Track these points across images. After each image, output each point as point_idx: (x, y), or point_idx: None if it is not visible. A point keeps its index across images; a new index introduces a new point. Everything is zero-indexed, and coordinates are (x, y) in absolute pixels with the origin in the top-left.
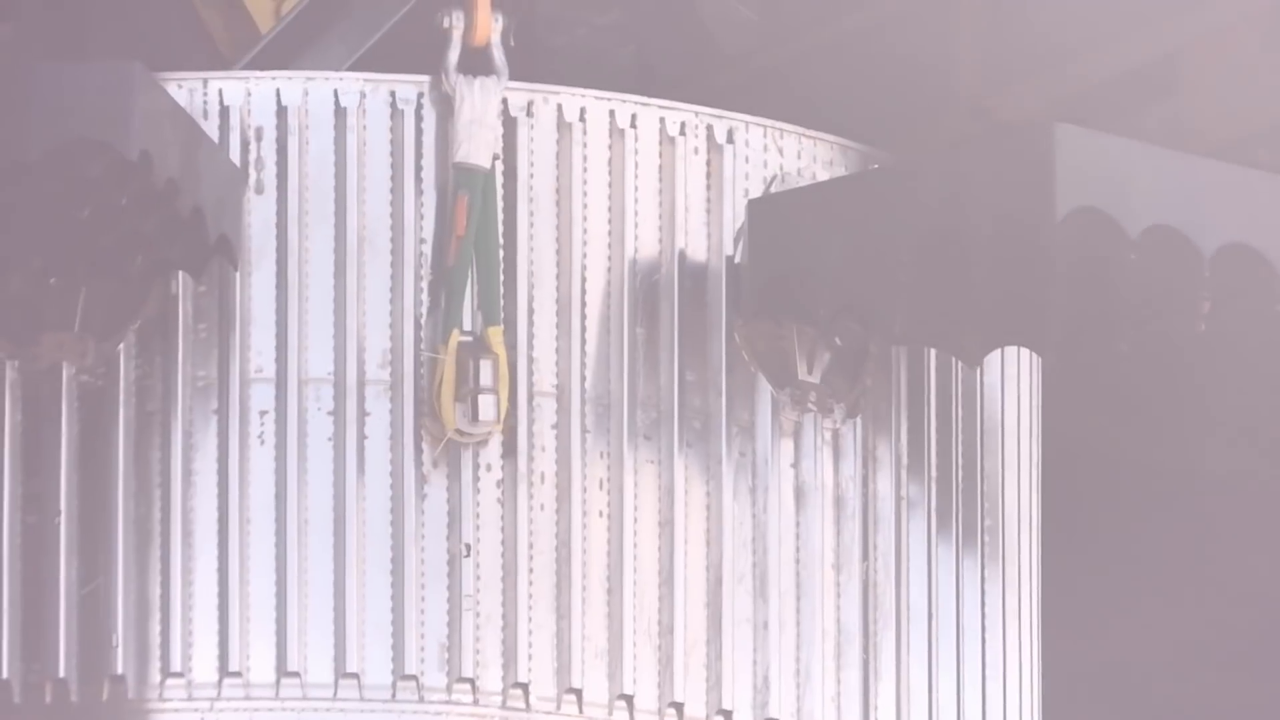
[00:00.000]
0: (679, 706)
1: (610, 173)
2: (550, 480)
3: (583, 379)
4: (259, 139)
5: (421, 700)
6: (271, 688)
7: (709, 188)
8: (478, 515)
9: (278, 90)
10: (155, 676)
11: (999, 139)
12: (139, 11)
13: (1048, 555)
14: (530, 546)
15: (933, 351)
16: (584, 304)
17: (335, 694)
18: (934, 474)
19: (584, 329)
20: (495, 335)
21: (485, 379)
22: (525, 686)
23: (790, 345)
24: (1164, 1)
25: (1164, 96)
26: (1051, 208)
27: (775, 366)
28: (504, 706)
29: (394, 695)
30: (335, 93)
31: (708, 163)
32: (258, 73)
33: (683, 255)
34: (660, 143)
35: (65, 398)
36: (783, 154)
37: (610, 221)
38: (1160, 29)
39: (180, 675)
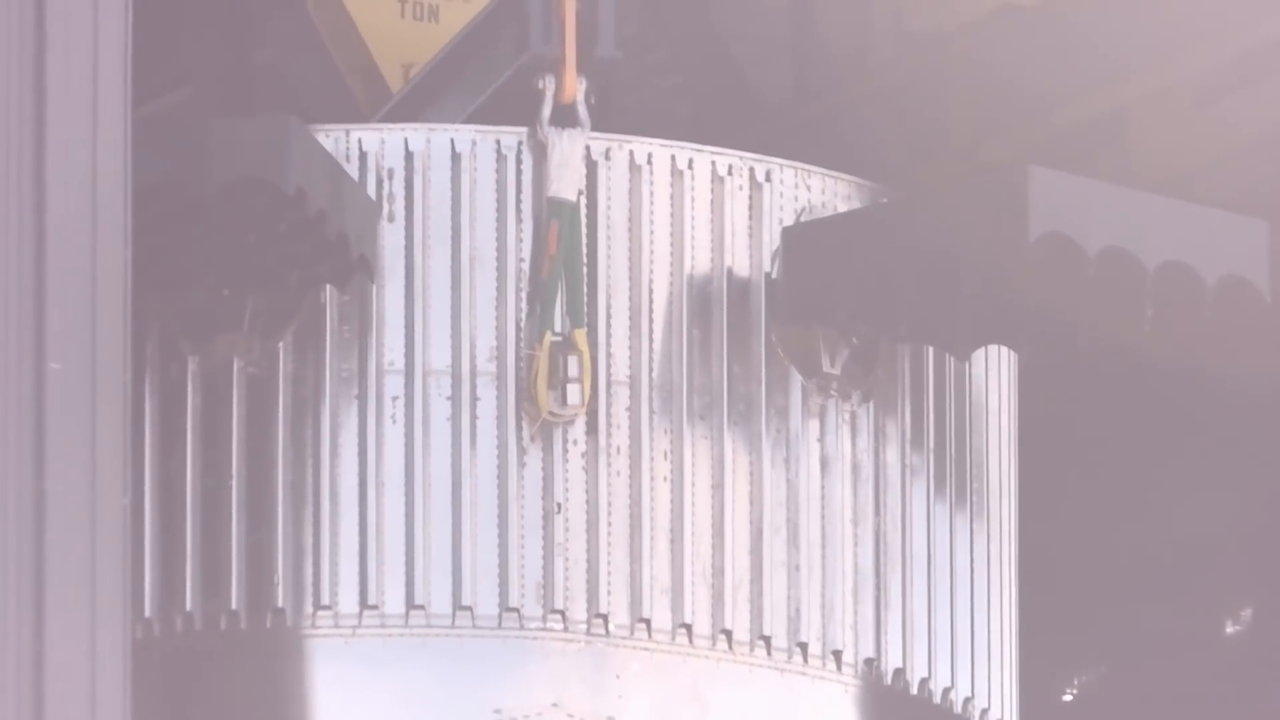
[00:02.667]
0: (728, 633)
1: (672, 205)
2: (624, 452)
3: (650, 370)
4: (390, 178)
5: (522, 628)
6: (402, 618)
7: (751, 218)
8: (567, 480)
9: (406, 139)
10: (309, 609)
11: (983, 178)
12: (295, 75)
13: (1023, 512)
14: (609, 505)
15: (930, 348)
16: (651, 310)
17: (453, 623)
18: (932, 447)
19: (651, 330)
20: (580, 336)
21: (572, 371)
22: (605, 617)
23: (816, 343)
24: (1116, 66)
25: (1115, 143)
26: (1025, 233)
27: (804, 361)
28: (588, 633)
29: (500, 624)
30: (452, 141)
31: (750, 197)
32: (390, 125)
33: (730, 272)
34: (712, 181)
35: (236, 386)
36: (810, 190)
37: (672, 245)
38: (1113, 89)
39: (328, 608)
